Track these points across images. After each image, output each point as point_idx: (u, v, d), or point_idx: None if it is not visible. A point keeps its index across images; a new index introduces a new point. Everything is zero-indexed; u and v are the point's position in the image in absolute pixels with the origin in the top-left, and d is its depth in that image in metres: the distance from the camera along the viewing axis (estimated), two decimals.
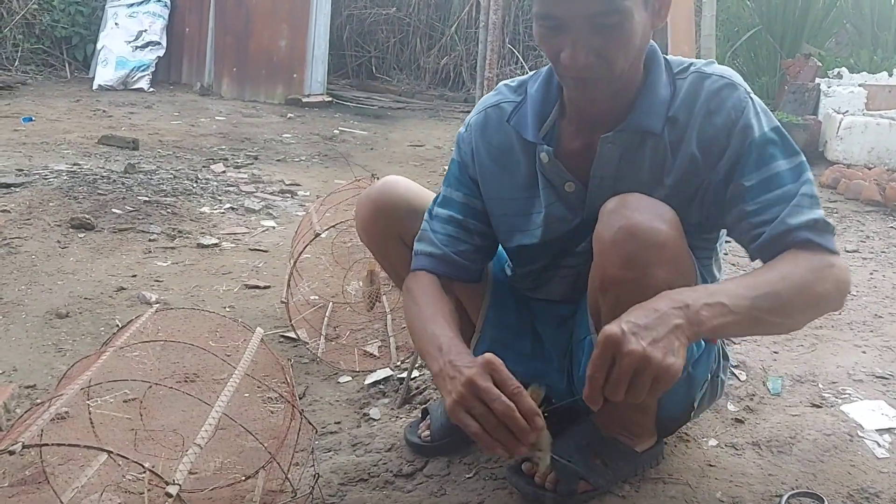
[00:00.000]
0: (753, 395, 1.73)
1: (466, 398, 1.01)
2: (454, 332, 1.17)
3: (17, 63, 7.41)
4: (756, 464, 1.48)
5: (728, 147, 1.18)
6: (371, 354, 2.15)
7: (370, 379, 1.96)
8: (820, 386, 1.78)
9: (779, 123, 1.21)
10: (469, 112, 1.43)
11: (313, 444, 1.68)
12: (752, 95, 1.22)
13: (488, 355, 1.04)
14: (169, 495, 0.98)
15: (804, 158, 1.21)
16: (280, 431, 1.47)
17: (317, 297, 2.56)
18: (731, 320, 1.03)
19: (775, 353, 1.96)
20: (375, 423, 1.75)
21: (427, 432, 1.55)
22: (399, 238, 1.42)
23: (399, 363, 2.05)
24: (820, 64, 5.70)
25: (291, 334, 2.22)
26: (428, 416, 1.59)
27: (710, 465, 1.46)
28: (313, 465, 1.41)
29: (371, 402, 1.87)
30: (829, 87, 5.39)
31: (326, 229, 2.25)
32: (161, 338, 1.51)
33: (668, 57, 1.26)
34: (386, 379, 1.96)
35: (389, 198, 1.42)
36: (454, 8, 8.82)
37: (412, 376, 1.86)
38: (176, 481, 0.99)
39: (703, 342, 1.27)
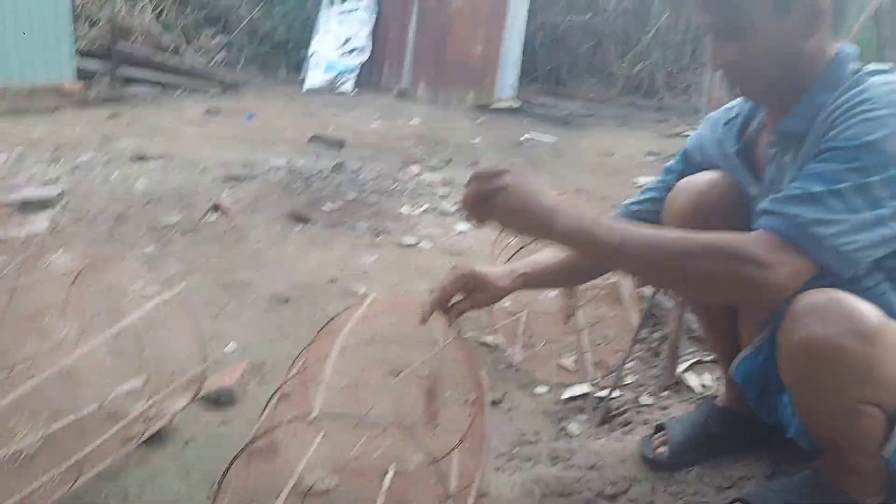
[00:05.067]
0: None
1: (454, 271, 1.39)
2: (533, 268, 1.44)
3: (241, 64, 8.22)
4: None
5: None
6: (565, 368, 2.16)
7: (567, 393, 1.97)
8: None
9: None
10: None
11: (515, 451, 1.72)
12: None
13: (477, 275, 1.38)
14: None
15: (881, 197, 1.03)
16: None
17: (508, 304, 2.60)
18: (587, 241, 1.11)
19: None
20: (574, 438, 1.76)
21: (662, 448, 1.53)
22: None
23: (597, 380, 2.04)
24: None
25: (488, 340, 2.29)
26: (663, 432, 1.56)
27: None
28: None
29: (569, 417, 1.88)
30: None
31: (527, 244, 2.28)
32: (369, 328, 1.61)
33: (863, 66, 1.18)
34: (584, 395, 1.96)
35: (718, 192, 1.35)
36: (652, 15, 8.58)
37: (612, 395, 1.85)
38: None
39: None
